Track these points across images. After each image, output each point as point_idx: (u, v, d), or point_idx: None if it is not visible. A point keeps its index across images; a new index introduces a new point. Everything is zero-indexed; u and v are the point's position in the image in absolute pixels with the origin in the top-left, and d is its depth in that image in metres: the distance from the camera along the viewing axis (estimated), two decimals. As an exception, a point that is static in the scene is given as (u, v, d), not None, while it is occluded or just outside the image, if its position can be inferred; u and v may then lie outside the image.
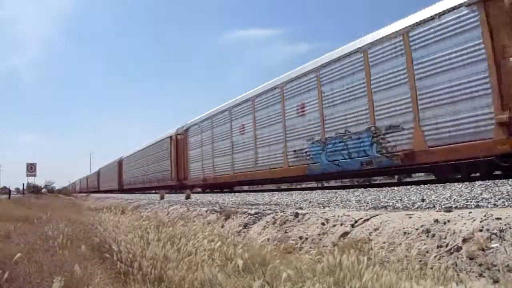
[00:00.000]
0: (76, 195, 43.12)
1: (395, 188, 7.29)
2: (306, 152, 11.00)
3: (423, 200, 4.91)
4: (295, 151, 11.44)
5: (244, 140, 14.36)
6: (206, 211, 7.23)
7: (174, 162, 21.37)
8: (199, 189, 19.10)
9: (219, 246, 3.73)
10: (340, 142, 9.77)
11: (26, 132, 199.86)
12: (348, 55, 9.66)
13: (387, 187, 7.73)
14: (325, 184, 16.56)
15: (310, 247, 3.99)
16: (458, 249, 2.83)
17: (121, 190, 33.76)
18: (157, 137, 25.68)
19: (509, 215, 2.83)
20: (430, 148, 7.59)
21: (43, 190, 36.59)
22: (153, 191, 25.67)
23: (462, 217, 3.17)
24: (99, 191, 42.60)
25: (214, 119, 17.04)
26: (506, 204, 3.88)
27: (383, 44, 8.66)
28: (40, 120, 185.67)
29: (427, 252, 3.01)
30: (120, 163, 35.68)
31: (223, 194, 14.48)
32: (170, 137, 22.13)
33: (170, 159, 21.97)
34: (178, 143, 21.06)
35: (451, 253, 2.85)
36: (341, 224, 4.17)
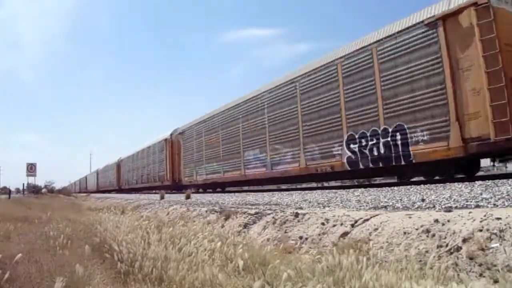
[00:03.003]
0: (76, 195, 43.39)
1: (395, 188, 7.30)
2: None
3: (423, 200, 4.91)
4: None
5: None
6: (206, 211, 7.23)
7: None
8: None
9: (219, 246, 3.73)
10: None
11: (26, 132, 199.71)
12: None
13: (387, 187, 7.74)
14: (325, 184, 16.56)
15: (310, 247, 3.98)
16: (458, 249, 2.83)
17: (99, 191, 44.66)
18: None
19: (509, 215, 2.83)
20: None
21: (43, 190, 36.54)
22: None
23: (462, 217, 3.18)
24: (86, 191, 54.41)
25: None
26: (506, 204, 3.88)
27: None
28: (40, 120, 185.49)
29: (427, 252, 3.01)
30: (97, 173, 50.80)
31: (223, 194, 14.49)
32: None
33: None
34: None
35: (451, 253, 2.85)
36: (341, 224, 4.17)
